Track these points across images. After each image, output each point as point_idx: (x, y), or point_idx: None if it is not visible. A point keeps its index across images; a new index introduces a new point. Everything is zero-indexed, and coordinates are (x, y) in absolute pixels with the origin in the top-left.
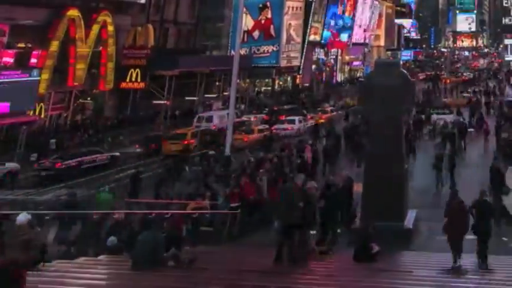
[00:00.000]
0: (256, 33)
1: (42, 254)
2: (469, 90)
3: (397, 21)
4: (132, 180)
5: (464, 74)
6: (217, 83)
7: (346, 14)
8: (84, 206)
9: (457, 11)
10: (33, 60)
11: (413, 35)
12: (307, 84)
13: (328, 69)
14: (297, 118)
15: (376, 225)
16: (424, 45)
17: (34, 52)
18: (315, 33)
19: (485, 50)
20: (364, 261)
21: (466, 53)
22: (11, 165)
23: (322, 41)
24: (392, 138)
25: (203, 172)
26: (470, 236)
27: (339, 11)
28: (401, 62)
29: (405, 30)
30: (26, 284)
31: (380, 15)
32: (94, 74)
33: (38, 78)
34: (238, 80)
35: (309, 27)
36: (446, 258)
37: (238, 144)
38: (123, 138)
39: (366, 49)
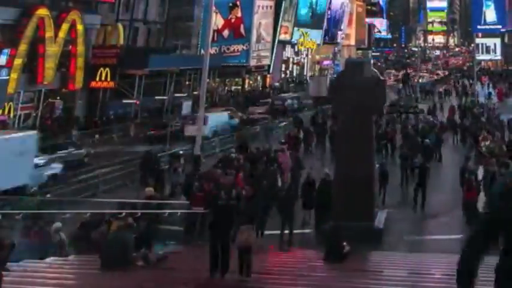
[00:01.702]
0: (226, 32)
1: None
2: (440, 90)
3: (368, 20)
4: None
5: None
6: (187, 82)
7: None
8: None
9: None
10: (1, 60)
11: (384, 34)
12: (277, 84)
13: (298, 68)
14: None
15: (347, 225)
16: (394, 45)
17: (3, 51)
18: (285, 33)
19: (457, 49)
20: (335, 261)
21: (437, 52)
22: None
23: (293, 40)
24: (362, 138)
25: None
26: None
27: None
28: (371, 61)
29: (376, 29)
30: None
31: (350, 14)
32: (64, 74)
33: (7, 77)
34: (208, 80)
35: (279, 26)
36: (416, 258)
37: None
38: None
39: (336, 48)
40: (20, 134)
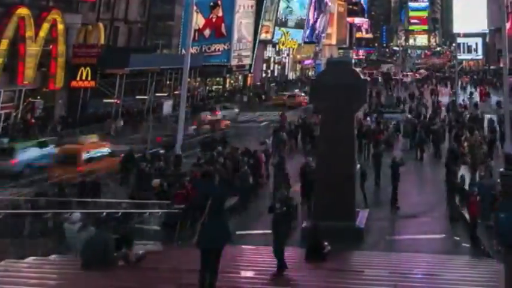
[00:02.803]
0: (207, 32)
1: None
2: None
3: (349, 19)
4: None
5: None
6: (168, 82)
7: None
8: None
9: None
10: None
11: (365, 33)
12: (258, 83)
13: (279, 67)
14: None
15: (328, 224)
16: (376, 44)
17: None
18: (267, 32)
19: (438, 49)
20: (315, 260)
21: (419, 52)
22: None
23: (274, 40)
24: (343, 137)
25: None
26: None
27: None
28: (353, 61)
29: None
30: None
31: (332, 14)
32: (44, 73)
33: None
34: (189, 79)
35: (260, 26)
36: (397, 257)
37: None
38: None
39: (317, 47)
40: None
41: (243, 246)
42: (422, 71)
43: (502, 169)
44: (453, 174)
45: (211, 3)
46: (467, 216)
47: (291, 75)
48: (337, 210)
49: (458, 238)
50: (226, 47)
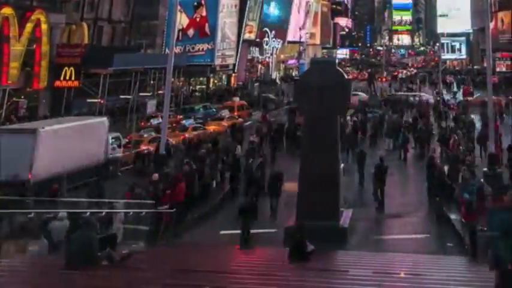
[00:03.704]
0: (191, 32)
1: None
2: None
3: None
4: None
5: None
6: (151, 82)
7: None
8: None
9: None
10: None
11: (348, 32)
12: (241, 83)
13: (263, 67)
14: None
15: (311, 224)
16: (360, 44)
17: None
18: (250, 32)
19: (422, 49)
20: (298, 260)
21: (402, 51)
22: None
23: (257, 39)
24: (327, 137)
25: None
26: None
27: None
28: (336, 61)
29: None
30: None
31: (315, 13)
32: (28, 73)
33: None
34: (172, 79)
35: (244, 25)
36: (381, 257)
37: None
38: None
39: (301, 47)
40: None
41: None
42: (405, 70)
43: (485, 169)
44: (437, 172)
45: (195, 3)
46: (451, 216)
47: (275, 75)
48: (321, 209)
49: (442, 238)
50: (210, 47)
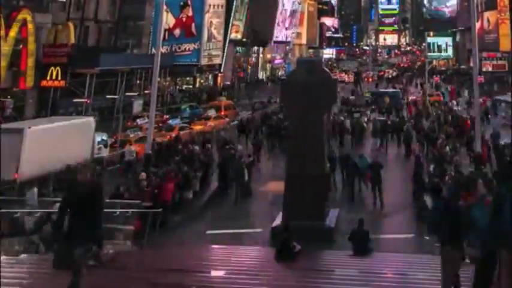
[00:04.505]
0: (177, 31)
1: None
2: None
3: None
4: None
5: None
6: (138, 82)
7: None
8: None
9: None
10: None
11: (334, 32)
12: (228, 83)
13: (250, 67)
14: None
15: (298, 224)
16: (346, 44)
17: None
18: (236, 32)
19: (408, 48)
20: (285, 260)
21: (388, 51)
22: None
23: (244, 39)
24: (313, 136)
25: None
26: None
27: None
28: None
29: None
30: None
31: (302, 13)
32: (14, 72)
33: None
34: (159, 79)
35: (230, 25)
36: (368, 257)
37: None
38: None
39: (287, 47)
40: None
41: (213, 246)
42: (391, 70)
43: (471, 169)
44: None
45: (181, 3)
46: None
47: (262, 75)
48: (307, 209)
49: (428, 237)
50: (196, 47)
